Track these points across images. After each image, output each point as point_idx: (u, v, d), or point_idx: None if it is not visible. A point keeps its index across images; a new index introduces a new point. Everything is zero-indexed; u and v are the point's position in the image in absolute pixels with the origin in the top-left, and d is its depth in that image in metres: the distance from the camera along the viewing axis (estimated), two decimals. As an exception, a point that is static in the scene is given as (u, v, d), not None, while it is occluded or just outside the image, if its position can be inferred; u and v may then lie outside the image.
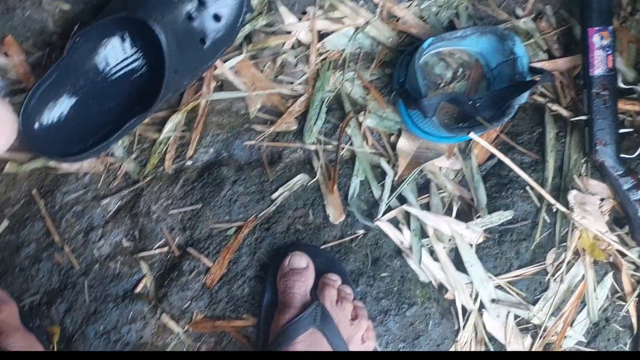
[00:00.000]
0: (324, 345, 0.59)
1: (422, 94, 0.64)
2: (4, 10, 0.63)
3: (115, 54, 0.62)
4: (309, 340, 0.59)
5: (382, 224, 0.67)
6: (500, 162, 0.70)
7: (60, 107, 0.60)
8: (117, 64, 0.63)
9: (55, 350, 0.62)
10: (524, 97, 0.65)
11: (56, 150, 0.59)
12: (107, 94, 0.62)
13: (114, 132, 0.60)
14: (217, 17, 0.62)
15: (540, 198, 0.70)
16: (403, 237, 0.67)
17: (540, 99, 0.72)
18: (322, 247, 0.66)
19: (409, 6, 0.72)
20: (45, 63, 0.65)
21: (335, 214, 0.67)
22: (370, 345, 0.62)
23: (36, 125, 0.59)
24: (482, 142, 0.66)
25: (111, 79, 0.63)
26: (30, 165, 0.64)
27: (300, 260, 0.63)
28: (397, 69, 0.71)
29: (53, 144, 0.59)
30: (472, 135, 0.64)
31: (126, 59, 0.63)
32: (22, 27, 0.64)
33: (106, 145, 0.60)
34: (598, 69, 0.69)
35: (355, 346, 0.60)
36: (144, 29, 0.56)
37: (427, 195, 0.69)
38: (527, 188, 0.70)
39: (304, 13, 0.71)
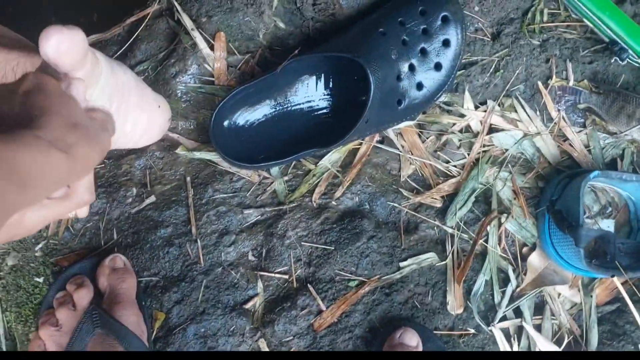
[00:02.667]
0: None
1: (579, 221, 0.64)
2: (228, 9, 0.66)
3: (316, 86, 0.64)
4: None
5: (496, 331, 0.67)
6: (619, 310, 0.69)
7: (251, 115, 0.63)
8: (313, 95, 0.65)
9: (154, 334, 0.63)
10: (666, 258, 0.65)
11: (232, 151, 0.61)
12: (293, 119, 0.64)
13: (288, 155, 0.62)
14: (419, 86, 0.64)
15: (651, 361, 0.68)
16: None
17: (678, 265, 0.71)
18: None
19: (579, 132, 0.74)
20: (241, 67, 0.68)
21: (454, 304, 0.67)
22: None
23: (225, 123, 0.61)
24: (620, 288, 0.66)
25: (301, 107, 0.65)
26: (199, 154, 0.66)
27: (412, 338, 0.62)
28: (550, 186, 0.71)
29: (232, 145, 0.61)
30: (615, 279, 0.64)
31: (322, 94, 0.65)
32: (237, 28, 0.67)
33: (275, 165, 0.62)
34: None
35: None
36: (355, 74, 0.58)
37: (540, 317, 0.69)
38: (640, 347, 0.69)
39: (483, 104, 0.73)
